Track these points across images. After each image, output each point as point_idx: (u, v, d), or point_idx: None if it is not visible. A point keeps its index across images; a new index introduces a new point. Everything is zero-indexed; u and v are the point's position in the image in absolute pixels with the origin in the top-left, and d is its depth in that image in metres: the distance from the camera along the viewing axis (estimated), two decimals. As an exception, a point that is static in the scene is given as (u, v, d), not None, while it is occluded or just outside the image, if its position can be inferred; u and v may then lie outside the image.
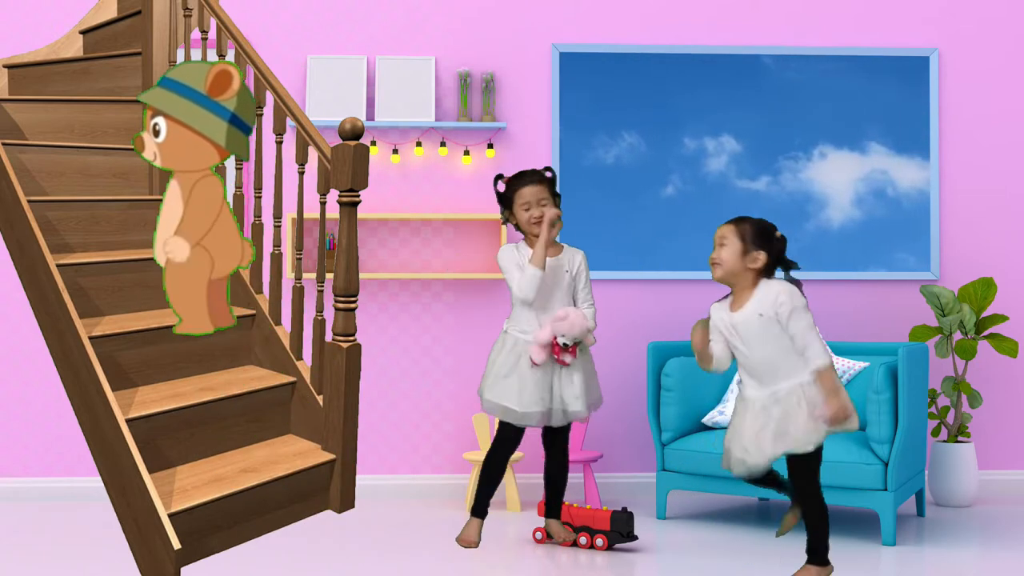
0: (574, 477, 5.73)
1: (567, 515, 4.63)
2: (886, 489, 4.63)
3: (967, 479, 5.46)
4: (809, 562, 3.94)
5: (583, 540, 4.56)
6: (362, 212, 5.64)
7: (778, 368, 3.80)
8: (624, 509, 4.52)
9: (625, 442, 5.79)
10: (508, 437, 4.46)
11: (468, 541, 4.48)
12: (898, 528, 4.95)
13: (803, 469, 3.87)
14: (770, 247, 3.84)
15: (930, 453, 5.58)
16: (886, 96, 5.80)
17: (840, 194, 5.77)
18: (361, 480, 5.68)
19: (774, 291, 3.81)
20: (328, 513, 5.26)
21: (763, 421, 3.80)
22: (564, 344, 4.30)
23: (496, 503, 5.56)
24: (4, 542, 4.66)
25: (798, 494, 3.93)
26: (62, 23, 5.64)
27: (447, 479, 5.67)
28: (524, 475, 5.72)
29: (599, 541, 4.52)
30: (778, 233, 3.88)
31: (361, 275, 5.56)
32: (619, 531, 4.50)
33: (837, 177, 5.78)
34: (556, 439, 4.58)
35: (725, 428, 5.08)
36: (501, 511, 5.34)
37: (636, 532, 4.84)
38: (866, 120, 5.80)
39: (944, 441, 5.53)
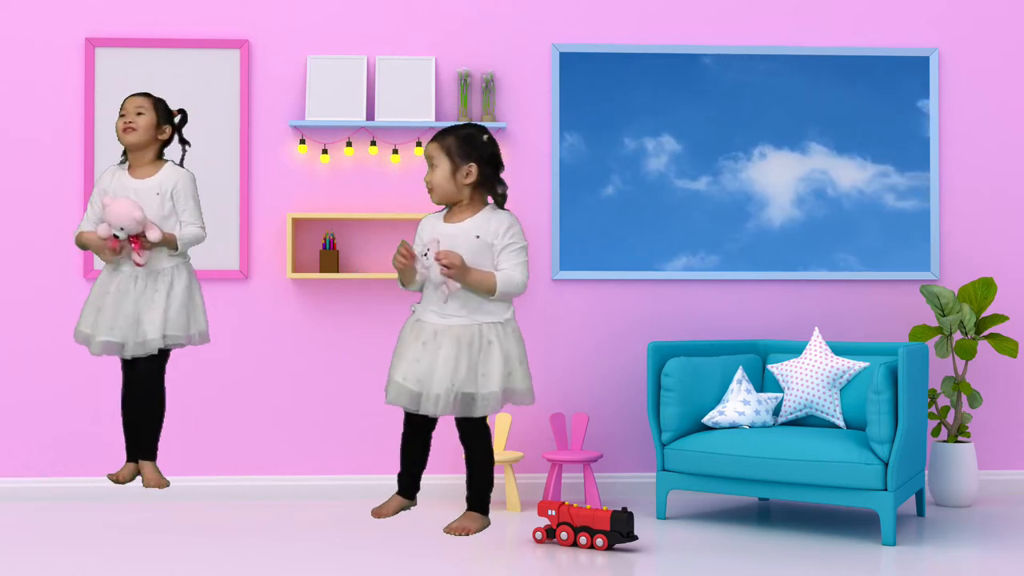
0: (575, 477, 5.73)
1: (567, 515, 4.62)
2: (886, 489, 4.63)
3: (967, 479, 5.46)
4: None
5: (583, 540, 4.56)
6: (361, 212, 5.64)
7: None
8: (624, 509, 4.52)
9: (625, 442, 5.79)
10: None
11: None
12: (898, 528, 4.95)
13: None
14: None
15: (930, 453, 5.58)
16: (827, 96, 5.79)
17: (780, 194, 5.77)
18: (361, 480, 5.68)
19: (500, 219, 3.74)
20: (328, 512, 5.26)
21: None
22: (117, 236, 3.97)
23: (496, 503, 5.56)
24: (4, 542, 4.66)
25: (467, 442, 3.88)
26: (63, 28, 5.64)
27: (447, 479, 5.67)
28: (523, 475, 5.72)
29: (599, 541, 4.52)
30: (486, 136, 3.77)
31: (360, 275, 5.56)
32: (619, 531, 4.50)
33: (777, 177, 5.78)
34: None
35: (725, 428, 5.09)
36: (501, 511, 5.34)
37: (636, 532, 4.84)
38: (808, 121, 5.79)
39: (944, 441, 5.52)
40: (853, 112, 5.80)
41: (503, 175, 3.84)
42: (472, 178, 3.71)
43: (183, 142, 4.23)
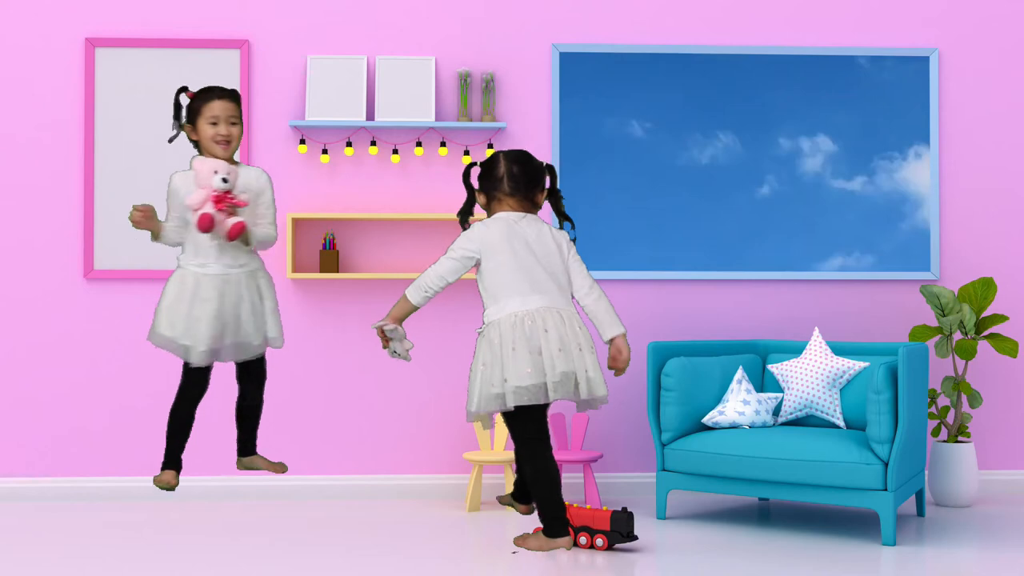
0: (574, 477, 5.73)
1: (567, 515, 4.62)
2: (886, 489, 4.63)
3: (967, 479, 5.46)
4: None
5: (583, 540, 4.56)
6: (361, 212, 5.64)
7: None
8: (624, 509, 4.52)
9: (625, 442, 5.79)
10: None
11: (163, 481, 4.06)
12: (898, 528, 4.95)
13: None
14: None
15: (930, 453, 5.58)
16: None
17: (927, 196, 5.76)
18: (362, 480, 5.68)
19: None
20: (329, 512, 5.26)
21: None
22: (225, 181, 3.69)
23: (496, 503, 5.55)
24: (4, 542, 4.66)
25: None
26: (63, 28, 5.64)
27: (447, 479, 5.67)
28: (524, 475, 5.72)
29: (599, 541, 4.52)
30: None
31: (360, 275, 5.56)
32: (619, 531, 4.50)
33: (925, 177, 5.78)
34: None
35: (725, 428, 5.09)
36: (500, 511, 5.34)
37: (636, 532, 4.84)
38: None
39: (944, 441, 5.53)
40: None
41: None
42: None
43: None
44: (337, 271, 5.59)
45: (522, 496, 4.32)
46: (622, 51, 5.76)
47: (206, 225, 3.73)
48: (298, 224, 5.65)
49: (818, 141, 5.80)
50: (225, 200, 3.75)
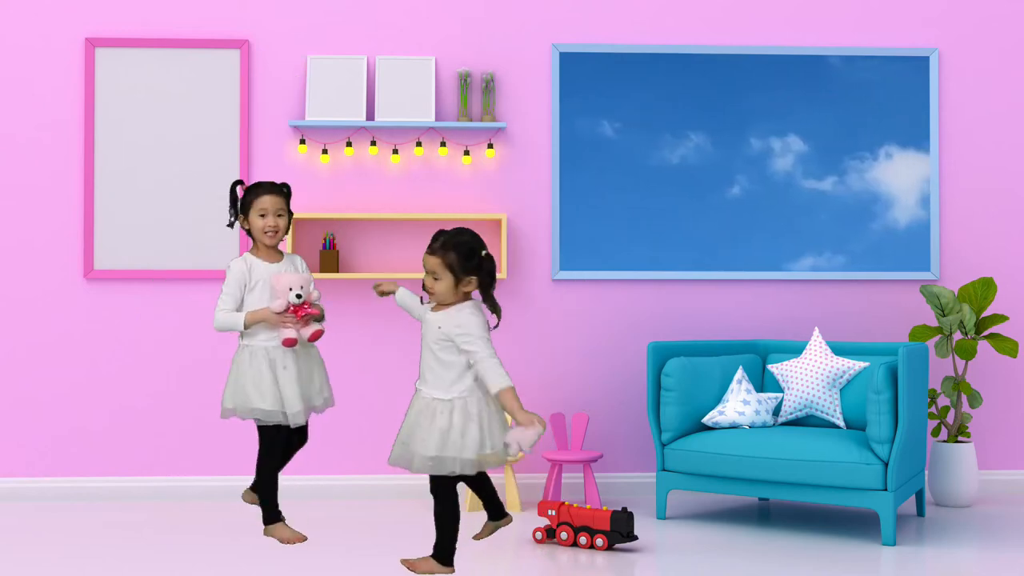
0: (575, 477, 5.73)
1: (567, 515, 4.62)
2: (886, 489, 4.63)
3: (967, 479, 5.46)
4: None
5: (583, 540, 4.56)
6: (362, 212, 5.64)
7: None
8: (624, 509, 4.52)
9: (625, 442, 5.79)
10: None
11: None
12: (898, 528, 4.95)
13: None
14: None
15: (930, 453, 5.58)
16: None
17: (905, 194, 5.76)
18: (362, 480, 5.68)
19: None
20: (329, 512, 5.26)
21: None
22: (299, 297, 4.09)
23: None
24: (4, 542, 4.66)
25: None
26: (63, 28, 5.64)
27: (447, 479, 5.67)
28: (524, 475, 5.72)
29: (599, 541, 4.52)
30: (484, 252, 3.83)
31: (360, 275, 5.56)
32: (619, 531, 4.50)
33: (902, 178, 5.78)
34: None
35: (725, 428, 5.09)
36: (501, 511, 5.34)
37: (636, 532, 4.84)
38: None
39: (944, 441, 5.53)
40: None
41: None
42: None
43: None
44: (337, 271, 5.59)
45: (496, 513, 4.07)
46: (622, 51, 5.76)
47: (291, 344, 4.07)
48: (298, 224, 5.65)
49: (789, 140, 5.80)
50: (302, 311, 4.09)
